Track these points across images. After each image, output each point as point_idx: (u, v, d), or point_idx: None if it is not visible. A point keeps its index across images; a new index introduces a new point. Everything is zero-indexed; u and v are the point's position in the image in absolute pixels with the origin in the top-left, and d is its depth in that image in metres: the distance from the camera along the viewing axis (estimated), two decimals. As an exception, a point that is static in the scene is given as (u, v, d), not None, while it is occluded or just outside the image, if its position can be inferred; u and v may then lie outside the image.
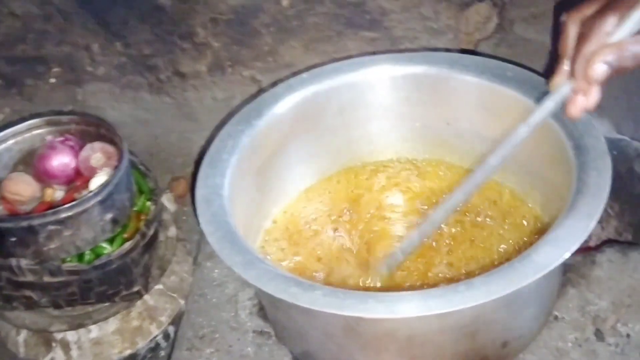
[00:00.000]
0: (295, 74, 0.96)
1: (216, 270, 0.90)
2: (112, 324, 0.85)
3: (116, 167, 0.81)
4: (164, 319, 0.88)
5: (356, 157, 0.95)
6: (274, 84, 1.05)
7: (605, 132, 1.03)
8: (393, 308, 0.63)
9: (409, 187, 0.91)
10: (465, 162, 0.92)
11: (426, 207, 0.89)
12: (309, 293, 0.65)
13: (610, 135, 1.02)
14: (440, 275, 0.80)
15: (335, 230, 0.88)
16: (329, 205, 0.91)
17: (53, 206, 0.79)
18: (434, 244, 0.84)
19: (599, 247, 0.86)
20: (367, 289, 0.80)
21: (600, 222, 0.94)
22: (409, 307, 0.62)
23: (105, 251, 0.80)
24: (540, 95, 0.81)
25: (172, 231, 0.92)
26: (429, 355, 0.70)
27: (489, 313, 0.68)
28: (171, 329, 0.89)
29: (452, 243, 0.83)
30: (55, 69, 1.11)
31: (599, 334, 0.77)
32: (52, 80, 1.12)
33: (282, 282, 0.66)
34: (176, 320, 0.89)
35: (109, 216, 0.79)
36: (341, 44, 1.08)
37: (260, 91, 1.09)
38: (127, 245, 0.80)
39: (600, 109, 1.03)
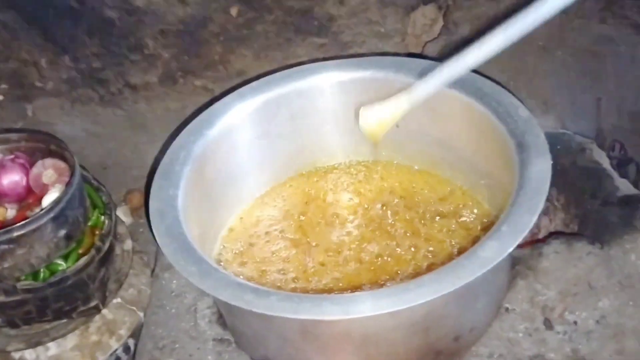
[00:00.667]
0: (246, 82, 0.98)
1: (174, 281, 0.90)
2: (71, 340, 0.85)
3: (68, 183, 0.80)
4: (124, 332, 0.88)
5: (309, 162, 0.97)
6: (226, 92, 1.06)
7: (550, 127, 1.07)
8: (347, 309, 0.64)
9: (360, 189, 0.94)
10: (415, 163, 0.94)
11: (378, 207, 0.91)
12: (264, 299, 0.66)
13: (554, 130, 1.06)
14: (392, 272, 0.82)
15: (290, 234, 0.89)
16: (283, 210, 0.93)
17: (5, 225, 0.78)
18: (390, 244, 0.86)
19: (545, 239, 0.89)
20: (324, 290, 0.82)
21: (547, 214, 0.98)
22: (362, 308, 0.64)
23: (61, 268, 0.80)
24: (482, 95, 0.84)
25: (128, 244, 0.92)
26: (383, 353, 0.72)
27: (439, 309, 0.70)
28: (131, 342, 0.89)
29: (403, 240, 0.85)
30: (3, 86, 1.10)
31: (548, 323, 0.80)
32: (0, 97, 1.11)
33: (238, 290, 0.67)
34: (136, 333, 0.89)
35: (62, 232, 0.79)
36: (291, 50, 1.09)
37: (213, 100, 1.10)
38: (83, 260, 0.80)
39: (545, 105, 1.08)
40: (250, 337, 0.79)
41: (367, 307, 0.64)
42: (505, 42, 0.71)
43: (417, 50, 1.12)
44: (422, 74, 0.88)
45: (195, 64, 1.10)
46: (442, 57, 1.08)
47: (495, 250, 0.66)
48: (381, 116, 0.81)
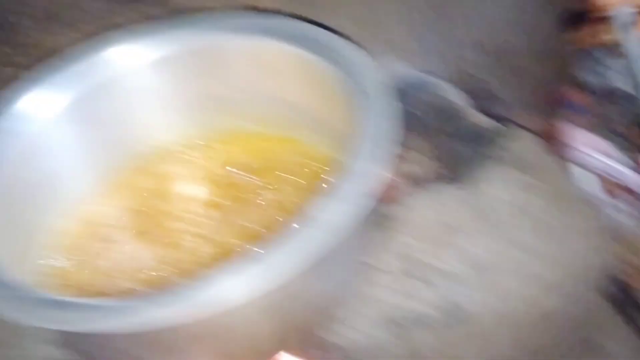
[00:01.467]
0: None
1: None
2: None
3: None
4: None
5: (143, 149, 0.85)
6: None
7: (405, 72, 1.03)
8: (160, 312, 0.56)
9: (202, 169, 0.84)
10: (258, 127, 0.85)
11: (225, 184, 0.82)
12: (88, 313, 0.56)
13: (403, 72, 1.02)
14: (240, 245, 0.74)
15: (131, 231, 0.79)
16: (121, 206, 0.81)
17: None
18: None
19: (405, 188, 0.84)
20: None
21: (408, 161, 0.93)
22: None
23: None
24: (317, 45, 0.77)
25: None
26: (247, 346, 0.64)
27: (296, 285, 0.62)
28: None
29: (255, 213, 0.77)
30: None
31: (420, 277, 0.75)
32: None
33: (37, 307, 0.57)
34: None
35: None
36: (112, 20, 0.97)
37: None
38: None
39: (400, 52, 1.04)
40: (93, 354, 0.68)
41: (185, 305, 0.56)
42: None
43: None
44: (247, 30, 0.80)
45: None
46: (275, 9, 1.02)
47: (345, 209, 0.59)
48: None
